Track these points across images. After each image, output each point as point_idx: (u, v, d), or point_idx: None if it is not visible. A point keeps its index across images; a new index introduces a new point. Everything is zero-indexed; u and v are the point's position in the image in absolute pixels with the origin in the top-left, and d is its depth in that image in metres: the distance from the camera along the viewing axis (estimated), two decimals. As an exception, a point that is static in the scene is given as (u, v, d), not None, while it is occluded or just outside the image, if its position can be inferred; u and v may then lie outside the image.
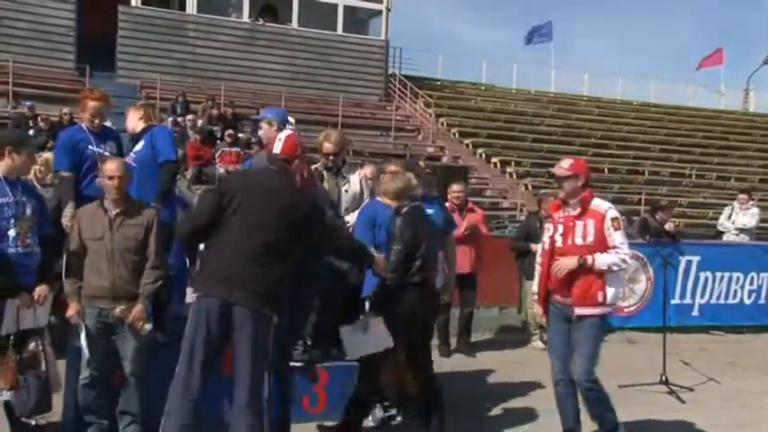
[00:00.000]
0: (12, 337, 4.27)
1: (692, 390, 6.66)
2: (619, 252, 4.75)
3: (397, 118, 23.48)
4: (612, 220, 4.79)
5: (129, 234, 4.46)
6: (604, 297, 4.79)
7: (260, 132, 5.47)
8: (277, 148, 4.42)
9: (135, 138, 5.21)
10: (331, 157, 5.49)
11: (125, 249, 4.44)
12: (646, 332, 9.03)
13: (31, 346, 4.37)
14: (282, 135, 4.49)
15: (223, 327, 4.00)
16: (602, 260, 4.74)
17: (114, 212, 4.46)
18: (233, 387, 4.05)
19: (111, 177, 4.44)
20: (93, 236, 4.43)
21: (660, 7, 75.94)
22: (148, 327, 4.47)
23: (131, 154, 5.07)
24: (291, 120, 5.78)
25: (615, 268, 4.78)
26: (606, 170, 23.45)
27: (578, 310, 4.80)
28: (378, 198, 5.42)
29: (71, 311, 4.42)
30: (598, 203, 4.87)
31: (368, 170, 5.97)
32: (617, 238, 4.77)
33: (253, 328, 4.00)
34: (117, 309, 4.39)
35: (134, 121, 5.25)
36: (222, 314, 3.99)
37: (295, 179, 4.50)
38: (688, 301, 9.85)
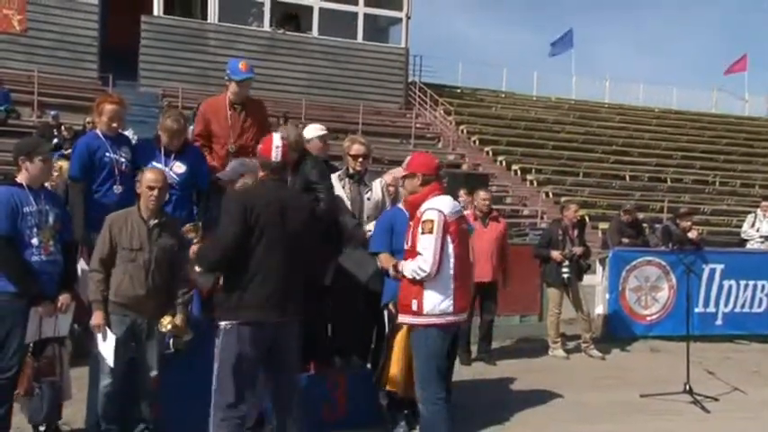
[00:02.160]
0: (31, 345, 4.31)
1: (716, 399, 6.56)
2: (418, 259, 4.28)
3: (417, 126, 23.50)
4: (423, 222, 4.31)
5: (167, 246, 4.49)
6: (419, 306, 4.31)
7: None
8: (276, 156, 4.22)
9: (168, 151, 5.08)
10: (360, 160, 5.47)
11: (162, 261, 4.47)
12: (669, 341, 8.92)
13: (49, 353, 4.41)
14: (278, 142, 4.26)
15: (266, 349, 4.11)
16: (406, 269, 4.36)
17: (152, 223, 4.48)
18: (273, 393, 4.24)
19: (152, 188, 4.44)
20: (130, 245, 4.43)
21: (681, 13, 75.39)
22: (190, 335, 4.53)
23: (173, 175, 4.99)
24: (321, 126, 5.74)
25: (416, 276, 4.29)
26: (628, 177, 23.30)
27: (399, 318, 4.58)
28: (399, 205, 5.42)
29: (97, 320, 4.39)
30: (429, 203, 4.38)
31: (388, 177, 5.97)
32: (421, 242, 4.28)
33: (296, 341, 4.21)
34: (164, 321, 4.42)
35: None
36: (268, 335, 4.09)
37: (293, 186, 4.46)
38: (712, 309, 9.72)
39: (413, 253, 4.36)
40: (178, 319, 4.47)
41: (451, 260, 4.33)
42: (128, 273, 4.42)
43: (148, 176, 4.49)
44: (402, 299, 4.45)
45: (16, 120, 17.60)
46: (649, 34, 74.04)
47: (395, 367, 5.06)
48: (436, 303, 4.32)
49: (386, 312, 5.26)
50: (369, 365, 5.55)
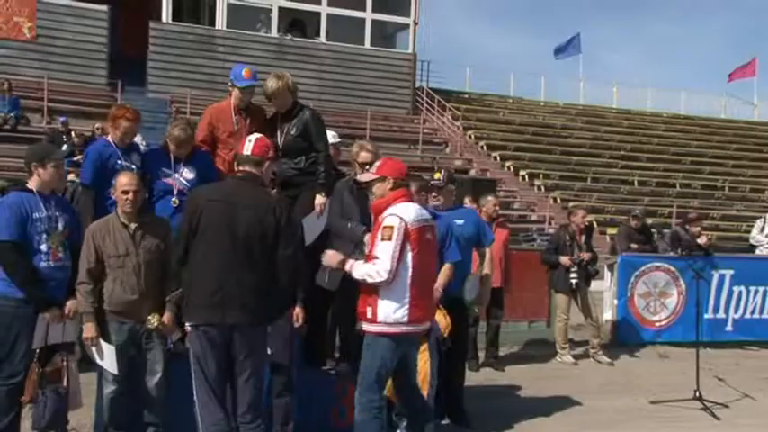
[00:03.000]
0: (37, 351, 4.32)
1: (726, 406, 6.52)
2: (376, 263, 4.19)
3: (425, 131, 23.50)
4: (383, 228, 4.23)
5: (152, 247, 4.47)
6: (373, 313, 4.24)
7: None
8: (247, 149, 4.17)
9: (177, 158, 5.10)
10: (367, 167, 5.46)
11: (149, 262, 4.45)
12: (678, 347, 8.90)
13: (56, 360, 4.40)
14: (252, 136, 4.24)
15: (226, 348, 4.03)
16: (357, 269, 4.27)
17: (133, 227, 4.45)
18: (233, 396, 4.10)
19: (126, 192, 4.39)
20: (116, 252, 4.40)
21: (690, 17, 75.24)
22: (178, 334, 4.51)
23: (183, 181, 5.03)
24: (334, 134, 5.72)
25: (369, 279, 4.20)
26: (636, 183, 23.22)
27: (358, 324, 4.48)
28: None
29: (89, 333, 4.35)
30: (392, 209, 4.30)
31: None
32: (379, 248, 4.19)
33: (251, 342, 4.03)
34: (152, 319, 4.38)
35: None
36: (222, 337, 4.00)
37: (263, 182, 4.26)
38: (721, 315, 9.69)
39: (370, 258, 4.27)
40: (166, 317, 4.42)
41: (409, 269, 4.23)
42: (118, 279, 4.40)
43: (122, 181, 4.43)
44: (359, 305, 4.36)
45: (26, 126, 17.69)
46: (657, 39, 73.94)
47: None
48: (390, 312, 4.22)
49: None
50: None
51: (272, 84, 5.32)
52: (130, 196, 4.39)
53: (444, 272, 5.25)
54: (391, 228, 4.20)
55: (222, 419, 4.03)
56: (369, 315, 4.28)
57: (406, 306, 4.24)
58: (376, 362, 4.30)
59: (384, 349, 4.29)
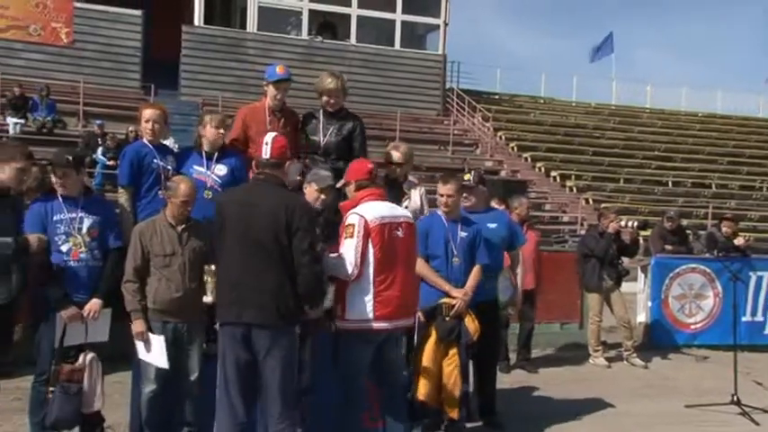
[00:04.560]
0: (56, 349, 4.37)
1: (765, 411, 6.38)
2: (341, 258, 4.33)
3: (455, 132, 23.44)
4: (345, 226, 4.37)
5: (197, 248, 4.57)
6: (343, 311, 4.39)
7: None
8: (265, 152, 4.19)
9: (209, 155, 5.13)
10: (398, 169, 5.46)
11: (194, 262, 4.55)
12: (714, 350, 8.75)
13: (80, 360, 4.45)
14: (269, 138, 4.25)
15: (247, 349, 4.04)
16: (326, 262, 4.32)
17: (180, 228, 4.58)
18: (263, 404, 4.11)
19: (186, 202, 4.53)
20: (163, 251, 4.51)
21: (725, 14, 73.99)
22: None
23: (215, 177, 5.05)
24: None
25: (334, 272, 4.34)
26: (670, 183, 22.92)
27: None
28: (436, 211, 5.40)
29: (138, 328, 4.46)
30: (355, 209, 4.42)
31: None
32: (343, 246, 4.33)
33: (270, 342, 4.02)
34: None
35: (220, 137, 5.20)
36: (243, 336, 4.03)
37: (283, 183, 4.28)
38: (759, 318, 9.51)
39: (339, 258, 4.37)
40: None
41: (371, 266, 4.32)
42: (164, 278, 4.50)
43: (183, 189, 4.55)
44: (334, 303, 4.46)
45: (62, 129, 18.02)
46: (691, 37, 72.83)
47: (425, 377, 5.04)
48: (357, 308, 4.34)
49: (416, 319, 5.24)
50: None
51: (329, 80, 5.36)
52: (188, 206, 4.56)
53: (474, 274, 5.26)
54: (352, 225, 4.33)
55: (235, 420, 4.06)
56: (339, 312, 4.41)
57: (371, 302, 4.34)
58: (350, 358, 4.41)
59: (355, 345, 4.40)
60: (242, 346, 4.04)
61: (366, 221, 4.34)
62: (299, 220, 4.02)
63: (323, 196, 4.66)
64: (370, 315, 4.34)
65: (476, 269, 5.27)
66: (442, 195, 5.31)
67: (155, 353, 4.47)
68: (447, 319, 5.08)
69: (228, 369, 4.08)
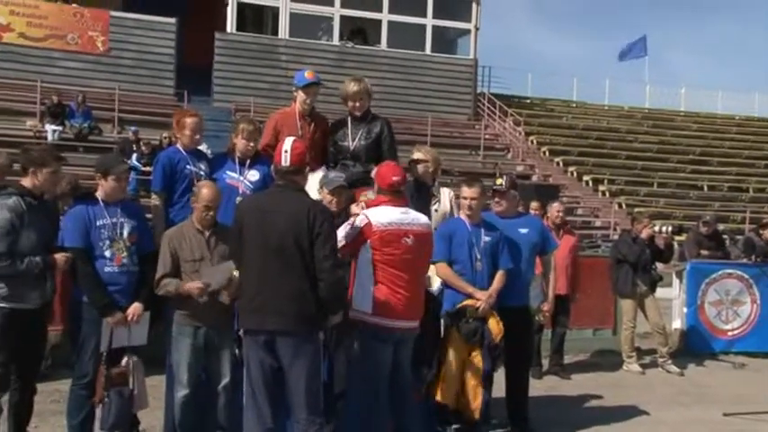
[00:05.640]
0: (104, 354, 4.45)
1: (805, 420, 6.24)
2: None
3: (486, 137, 23.36)
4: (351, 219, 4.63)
5: (225, 253, 4.58)
6: (349, 300, 4.53)
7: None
8: (285, 160, 4.19)
9: (242, 160, 5.16)
10: (421, 167, 5.44)
11: None
12: (752, 357, 8.58)
13: (123, 363, 4.52)
14: (288, 145, 4.23)
15: (272, 355, 4.06)
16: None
17: (208, 233, 4.62)
18: (290, 410, 4.13)
19: (209, 207, 4.56)
20: (191, 257, 4.56)
21: (761, 16, 72.66)
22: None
23: (248, 183, 5.09)
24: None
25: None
26: (706, 187, 22.58)
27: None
28: (459, 215, 5.38)
29: (196, 284, 4.44)
30: (367, 210, 4.61)
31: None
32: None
33: (294, 349, 4.03)
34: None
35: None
36: (266, 343, 4.06)
37: (302, 188, 4.31)
38: (799, 325, 9.29)
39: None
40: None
41: (369, 266, 4.46)
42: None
43: (205, 194, 4.56)
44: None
45: (98, 136, 18.35)
46: (726, 39, 71.66)
47: (447, 379, 5.04)
48: (356, 299, 4.50)
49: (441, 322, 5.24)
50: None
51: (352, 85, 5.38)
52: (212, 213, 4.58)
53: (498, 278, 5.24)
54: (351, 223, 4.52)
55: (263, 425, 4.08)
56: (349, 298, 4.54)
57: (370, 297, 4.46)
58: (371, 359, 4.48)
59: (374, 346, 4.49)
60: (266, 353, 4.07)
61: (369, 224, 4.45)
62: (320, 225, 4.03)
63: (335, 199, 4.67)
64: (368, 309, 4.46)
65: (500, 273, 5.25)
66: (465, 198, 5.28)
67: (223, 272, 4.49)
68: (470, 321, 5.08)
69: (254, 375, 4.11)
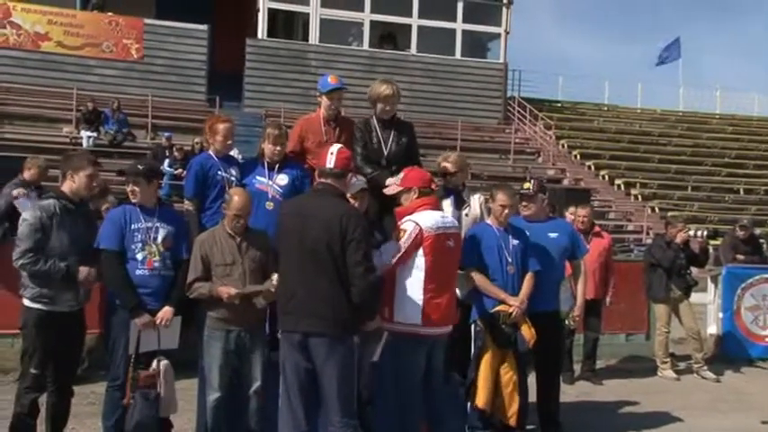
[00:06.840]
0: (132, 356, 4.51)
1: None
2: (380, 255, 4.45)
3: (517, 141, 23.22)
4: (399, 231, 4.53)
5: (256, 257, 4.65)
6: (390, 313, 4.48)
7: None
8: (330, 162, 4.29)
9: (271, 165, 5.21)
10: (453, 178, 5.44)
11: (254, 271, 4.63)
12: (791, 364, 8.41)
13: (153, 366, 4.57)
14: (334, 149, 4.36)
15: (306, 356, 4.11)
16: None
17: (239, 238, 4.66)
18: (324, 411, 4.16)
19: (239, 216, 4.60)
20: (223, 261, 4.61)
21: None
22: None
23: (277, 187, 5.14)
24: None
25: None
26: (742, 191, 22.17)
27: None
28: (487, 221, 5.36)
29: (230, 290, 4.49)
30: (411, 216, 4.53)
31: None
32: (388, 245, 4.52)
33: (328, 351, 4.08)
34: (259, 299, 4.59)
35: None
36: (300, 344, 4.11)
37: (342, 194, 4.35)
38: (839, 331, 9.08)
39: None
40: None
41: (422, 272, 4.43)
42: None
43: (236, 203, 4.60)
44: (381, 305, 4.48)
45: (132, 142, 18.63)
46: (762, 42, 70.28)
47: (483, 385, 5.03)
48: (404, 312, 4.43)
49: (473, 328, 5.22)
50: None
51: (384, 87, 5.30)
52: (242, 221, 4.63)
53: (527, 282, 5.23)
54: (405, 231, 4.46)
55: (297, 428, 4.13)
56: (386, 315, 4.47)
57: (420, 308, 4.42)
58: (395, 361, 4.45)
59: (407, 352, 4.46)
60: (300, 354, 4.12)
61: (421, 230, 4.44)
62: (353, 231, 4.08)
63: (357, 203, 4.66)
64: (418, 321, 4.42)
65: (528, 276, 5.24)
66: (498, 205, 5.26)
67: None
68: (504, 326, 5.06)
69: (289, 376, 4.17)
